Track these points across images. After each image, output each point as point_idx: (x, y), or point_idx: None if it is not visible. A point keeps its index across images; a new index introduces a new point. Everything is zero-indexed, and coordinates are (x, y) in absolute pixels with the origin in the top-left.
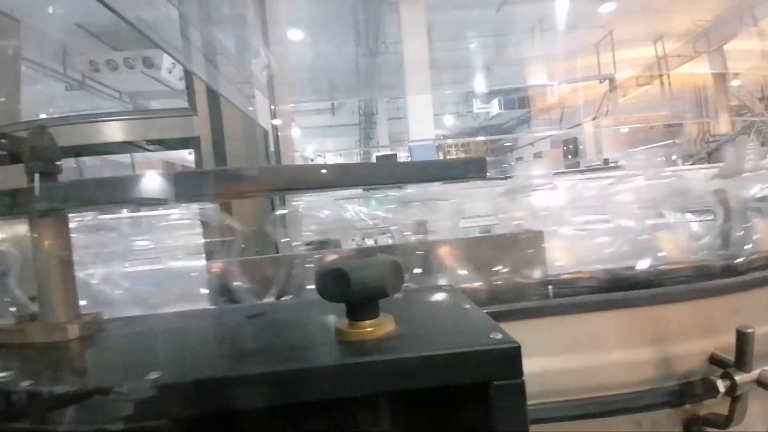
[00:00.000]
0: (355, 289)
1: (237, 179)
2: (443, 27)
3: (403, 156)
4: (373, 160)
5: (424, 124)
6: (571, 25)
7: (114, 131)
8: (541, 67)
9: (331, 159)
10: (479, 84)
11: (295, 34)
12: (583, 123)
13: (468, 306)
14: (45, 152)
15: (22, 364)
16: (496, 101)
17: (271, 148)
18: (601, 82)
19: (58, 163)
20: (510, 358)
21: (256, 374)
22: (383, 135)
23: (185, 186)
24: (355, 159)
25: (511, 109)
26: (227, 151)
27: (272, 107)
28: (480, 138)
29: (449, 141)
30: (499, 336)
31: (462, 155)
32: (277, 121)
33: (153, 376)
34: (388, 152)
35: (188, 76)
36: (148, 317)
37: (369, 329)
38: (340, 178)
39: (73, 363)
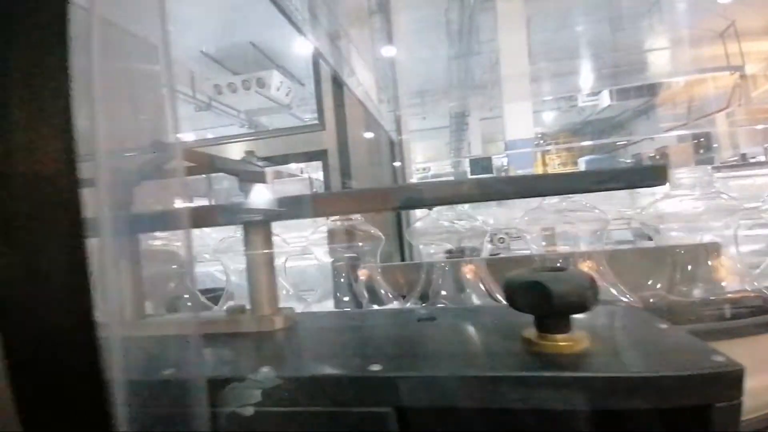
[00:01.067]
0: (555, 302)
1: (396, 194)
2: (543, 18)
3: (497, 158)
4: (466, 164)
5: (521, 122)
6: (689, 12)
7: (259, 149)
8: (659, 55)
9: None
10: (586, 75)
11: (388, 51)
12: (712, 114)
13: (664, 326)
14: (254, 175)
15: (252, 351)
16: (606, 92)
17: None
18: (732, 74)
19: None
20: (733, 380)
21: (471, 376)
22: (476, 136)
23: (353, 201)
24: (447, 163)
25: (624, 100)
26: (357, 162)
27: (397, 118)
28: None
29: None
30: (722, 359)
31: (564, 154)
32: (404, 135)
33: (376, 367)
34: (482, 155)
35: (318, 93)
36: (322, 313)
37: (564, 343)
38: (497, 191)
39: (294, 351)
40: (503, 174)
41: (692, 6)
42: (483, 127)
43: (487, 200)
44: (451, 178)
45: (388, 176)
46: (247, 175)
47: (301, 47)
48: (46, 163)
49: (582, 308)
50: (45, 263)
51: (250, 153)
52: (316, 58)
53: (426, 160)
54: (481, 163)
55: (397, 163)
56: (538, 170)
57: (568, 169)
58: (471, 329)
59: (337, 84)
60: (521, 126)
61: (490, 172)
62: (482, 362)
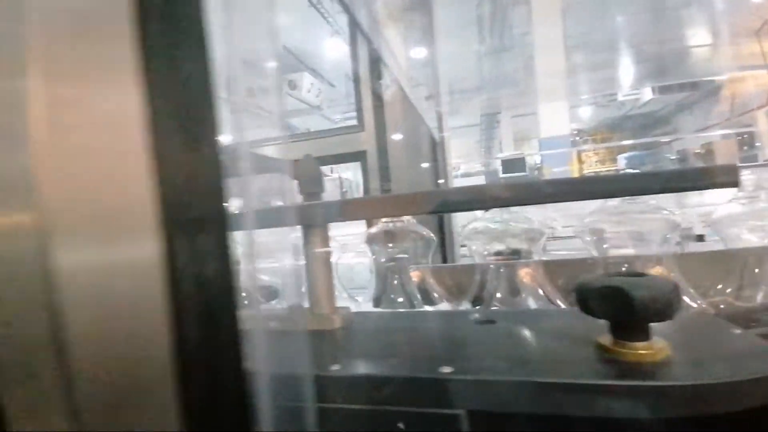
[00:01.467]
0: (638, 309)
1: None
2: (581, 8)
3: (529, 156)
4: (498, 163)
5: (557, 119)
6: (726, 11)
7: (301, 150)
8: (702, 50)
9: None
10: (626, 68)
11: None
12: (753, 111)
13: (738, 331)
14: (313, 176)
15: (322, 349)
16: (648, 84)
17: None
18: None
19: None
20: None
21: (548, 382)
22: (507, 134)
23: (414, 202)
24: (477, 162)
25: (667, 94)
26: (397, 162)
27: (438, 115)
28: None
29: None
30: None
31: (602, 150)
32: (446, 133)
33: (447, 369)
34: (515, 154)
35: (357, 94)
36: (377, 313)
37: (644, 351)
38: (559, 192)
39: (360, 350)
40: (536, 173)
41: (728, 3)
42: (515, 125)
43: (549, 202)
44: (482, 177)
45: (429, 176)
46: (305, 175)
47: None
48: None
49: (666, 316)
50: (201, 256)
51: (308, 156)
52: (356, 59)
53: (455, 159)
54: (514, 162)
55: (424, 165)
56: (574, 169)
57: (606, 168)
58: (535, 333)
59: (377, 84)
60: (556, 122)
61: (523, 171)
62: (558, 368)
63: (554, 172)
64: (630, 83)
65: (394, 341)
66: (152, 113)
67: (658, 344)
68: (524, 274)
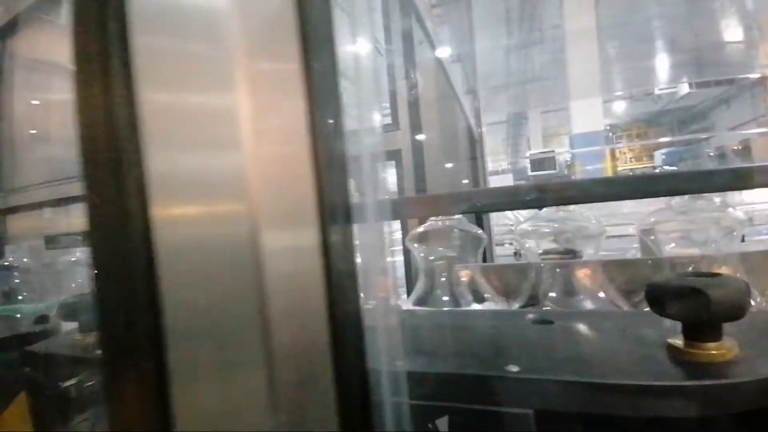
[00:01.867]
0: (715, 309)
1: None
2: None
3: (561, 153)
4: (526, 160)
5: (589, 114)
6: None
7: None
8: (742, 42)
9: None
10: (663, 60)
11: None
12: None
13: None
14: None
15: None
16: (685, 79)
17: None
18: None
19: None
20: None
21: (620, 384)
22: (536, 131)
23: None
24: (503, 159)
25: (704, 88)
26: (433, 159)
27: (476, 110)
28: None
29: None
30: None
31: (636, 147)
32: (483, 128)
33: (514, 368)
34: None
35: (392, 92)
36: (426, 311)
37: (716, 351)
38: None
39: (418, 347)
40: (566, 171)
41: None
42: (544, 121)
43: (611, 200)
44: (509, 175)
45: (467, 174)
46: None
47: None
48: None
49: (739, 315)
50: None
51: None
52: (390, 55)
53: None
54: (543, 160)
55: (460, 163)
56: (607, 166)
57: (643, 165)
58: (598, 334)
59: (412, 80)
60: (589, 118)
61: (553, 169)
62: (630, 370)
63: (587, 170)
64: (666, 77)
65: (452, 339)
66: (313, 122)
67: (727, 344)
68: (582, 275)
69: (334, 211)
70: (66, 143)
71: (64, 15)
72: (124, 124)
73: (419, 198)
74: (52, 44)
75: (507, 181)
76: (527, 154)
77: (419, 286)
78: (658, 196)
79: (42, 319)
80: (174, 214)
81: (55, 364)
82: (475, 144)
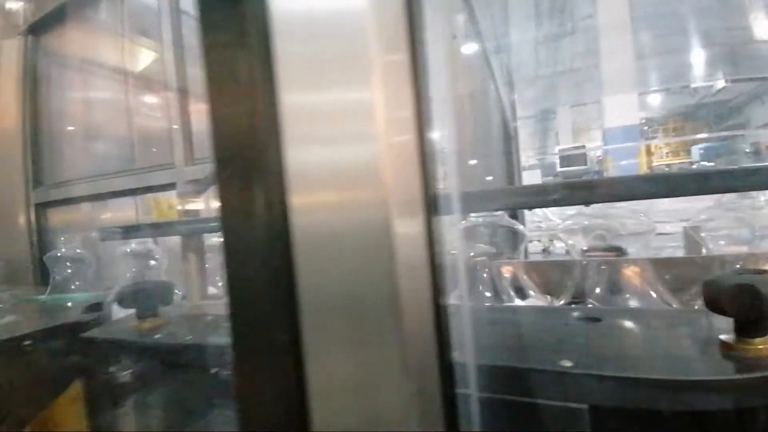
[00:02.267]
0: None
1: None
2: None
3: (592, 148)
4: (555, 156)
5: (623, 107)
6: None
7: None
8: None
9: None
10: (699, 53)
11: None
12: None
13: None
14: None
15: None
16: (720, 73)
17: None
18: None
19: None
20: None
21: (681, 380)
22: (565, 125)
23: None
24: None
25: (740, 82)
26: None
27: (512, 103)
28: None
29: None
30: None
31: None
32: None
33: (567, 363)
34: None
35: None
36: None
37: (762, 346)
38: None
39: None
40: (597, 167)
41: None
42: (575, 115)
43: (670, 196)
44: (537, 171)
45: (501, 169)
46: None
47: None
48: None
49: None
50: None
51: None
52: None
53: None
54: (573, 155)
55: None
56: (642, 161)
57: (680, 160)
58: (645, 331)
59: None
60: (623, 111)
61: (584, 164)
62: (683, 366)
63: (620, 165)
64: (703, 69)
65: (499, 334)
66: (420, 112)
67: None
68: (630, 272)
69: (436, 201)
70: (107, 139)
71: (103, 11)
72: (266, 123)
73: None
74: (88, 41)
75: (535, 177)
76: (556, 150)
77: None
78: (708, 194)
79: (95, 306)
80: (313, 203)
81: (112, 349)
82: (510, 138)
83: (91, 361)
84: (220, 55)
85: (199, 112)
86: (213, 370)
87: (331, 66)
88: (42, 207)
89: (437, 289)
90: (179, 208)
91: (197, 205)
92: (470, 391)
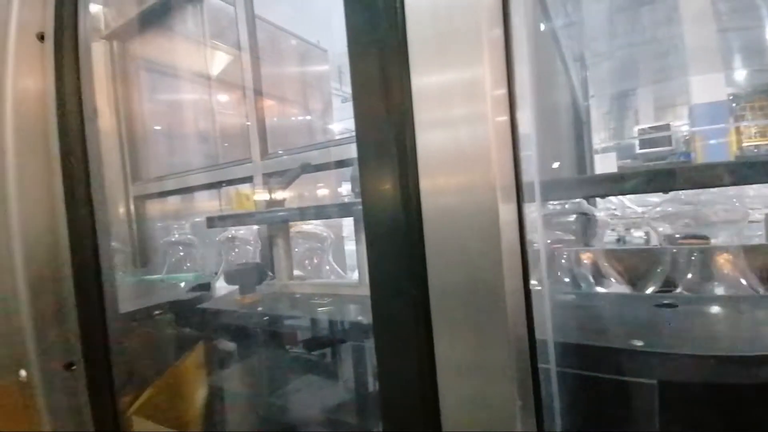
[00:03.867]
0: None
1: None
2: None
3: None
4: (634, 138)
5: (709, 82)
6: None
7: None
8: None
9: None
10: None
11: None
12: None
13: None
14: None
15: None
16: None
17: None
18: None
19: None
20: None
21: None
22: (645, 103)
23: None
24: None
25: None
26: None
27: (583, 81)
28: None
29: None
30: None
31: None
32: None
33: (638, 343)
34: (657, 125)
35: None
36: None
37: None
38: None
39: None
40: (684, 147)
41: None
42: (655, 91)
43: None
44: (612, 154)
45: (571, 154)
46: None
47: None
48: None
49: None
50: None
51: None
52: None
53: None
54: (656, 136)
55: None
56: (732, 141)
57: None
58: (722, 316)
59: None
60: (709, 87)
61: (668, 145)
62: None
63: (709, 145)
64: None
65: (577, 318)
66: (511, 91)
67: None
68: (721, 260)
69: (523, 187)
70: (193, 138)
71: (185, 18)
72: (400, 106)
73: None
74: (172, 46)
75: (609, 161)
76: (635, 130)
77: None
78: None
79: (204, 285)
80: (435, 185)
81: (222, 318)
82: (580, 121)
83: (206, 327)
84: (362, 45)
85: (271, 109)
86: (303, 336)
87: (451, 43)
88: (139, 199)
89: (526, 273)
90: (256, 199)
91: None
92: (550, 366)
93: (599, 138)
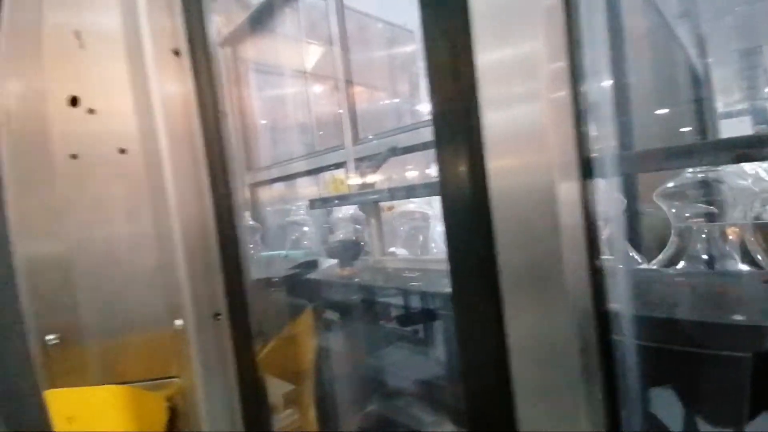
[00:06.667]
0: None
1: None
2: None
3: None
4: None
5: None
6: None
7: None
8: None
9: None
10: None
11: None
12: None
13: None
14: None
15: None
16: None
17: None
18: None
19: None
20: None
21: None
22: None
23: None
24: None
25: None
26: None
27: (700, 39)
28: None
29: None
30: None
31: None
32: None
33: (739, 317)
34: None
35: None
36: (661, 271)
37: None
38: None
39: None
40: None
41: None
42: None
43: None
44: (745, 118)
45: (689, 119)
46: None
47: None
48: None
49: None
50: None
51: None
52: None
53: None
54: None
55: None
56: None
57: None
58: None
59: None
60: None
61: None
62: None
63: None
64: None
65: (677, 296)
66: (573, 66)
67: None
68: None
69: (588, 163)
70: (294, 129)
71: (277, 23)
72: (467, 85)
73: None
74: (272, 46)
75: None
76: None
77: (670, 245)
78: None
79: (313, 262)
80: (502, 163)
81: (326, 287)
82: (699, 82)
83: (313, 295)
84: (431, 23)
85: (361, 96)
86: (394, 304)
87: (511, 16)
88: (253, 186)
89: (593, 250)
90: (350, 183)
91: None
92: (626, 338)
93: (726, 102)
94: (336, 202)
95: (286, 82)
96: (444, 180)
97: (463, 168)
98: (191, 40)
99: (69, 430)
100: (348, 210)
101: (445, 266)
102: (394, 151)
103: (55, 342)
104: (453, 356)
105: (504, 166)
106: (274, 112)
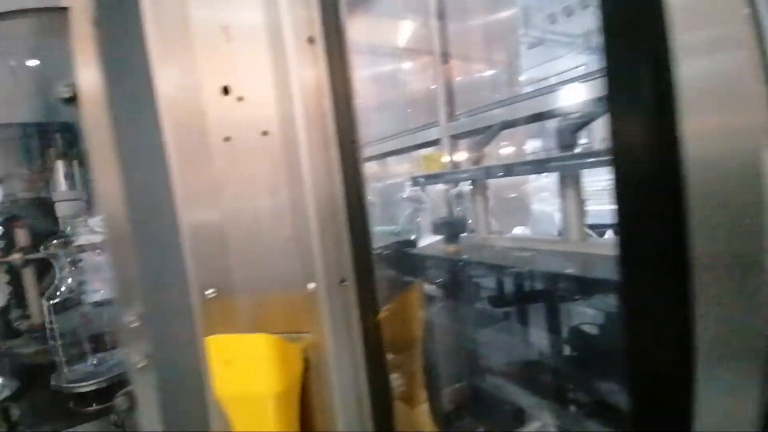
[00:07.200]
0: None
1: None
2: None
3: None
4: None
5: None
6: None
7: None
8: None
9: None
10: None
11: None
12: None
13: None
14: None
15: None
16: None
17: None
18: None
19: None
20: None
21: None
22: None
23: None
24: None
25: None
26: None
27: None
28: None
29: None
30: None
31: None
32: None
33: None
34: None
35: None
36: None
37: None
38: None
39: None
40: None
41: None
42: None
43: None
44: None
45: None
46: None
47: None
48: None
49: None
50: None
51: None
52: None
53: None
54: None
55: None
56: None
57: None
58: None
59: None
60: None
61: None
62: None
63: None
64: None
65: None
66: None
67: None
68: None
69: None
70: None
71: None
72: (654, 23)
73: None
74: (368, 27)
75: None
76: None
77: None
78: None
79: (410, 243)
80: (701, 127)
81: (433, 262)
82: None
83: (420, 268)
84: None
85: (457, 70)
86: (500, 281)
87: None
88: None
89: None
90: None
91: (459, 157)
92: None
93: None
94: (438, 178)
95: (384, 61)
96: (618, 148)
97: (647, 132)
98: (325, 28)
99: (226, 372)
100: (459, 187)
101: (563, 247)
102: (506, 125)
103: (213, 295)
104: (572, 340)
105: (705, 130)
106: (373, 91)
